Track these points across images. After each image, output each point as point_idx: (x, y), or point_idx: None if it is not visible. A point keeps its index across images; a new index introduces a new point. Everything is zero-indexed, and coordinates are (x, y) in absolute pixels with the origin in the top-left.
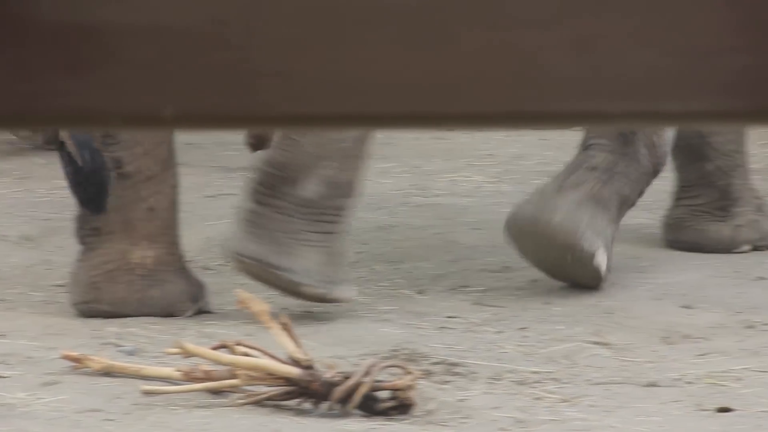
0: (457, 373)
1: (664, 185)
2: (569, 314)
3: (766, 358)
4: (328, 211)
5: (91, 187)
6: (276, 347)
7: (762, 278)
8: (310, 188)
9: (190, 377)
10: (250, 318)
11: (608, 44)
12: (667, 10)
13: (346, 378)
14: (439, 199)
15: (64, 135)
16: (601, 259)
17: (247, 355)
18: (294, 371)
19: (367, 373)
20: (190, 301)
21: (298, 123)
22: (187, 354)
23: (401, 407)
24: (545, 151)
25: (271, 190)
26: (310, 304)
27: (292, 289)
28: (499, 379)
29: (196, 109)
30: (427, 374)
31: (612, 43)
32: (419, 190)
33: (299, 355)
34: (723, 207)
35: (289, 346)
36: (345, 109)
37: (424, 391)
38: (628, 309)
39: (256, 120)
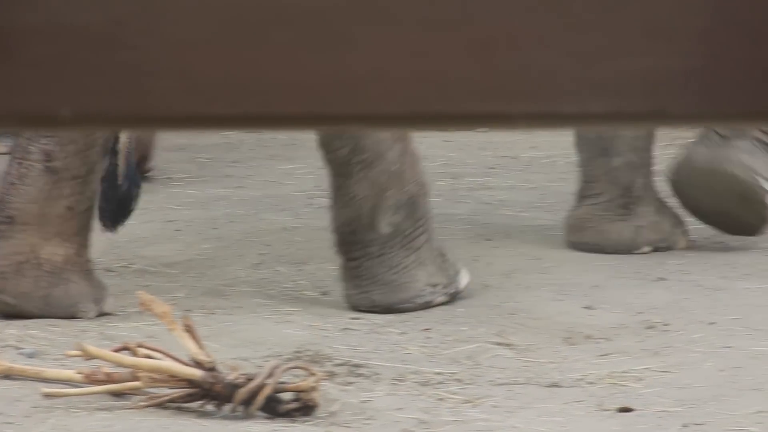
0: (360, 375)
1: (566, 187)
2: (472, 315)
3: (667, 358)
4: (412, 229)
5: (115, 209)
6: (178, 349)
7: (663, 279)
8: (386, 223)
9: (91, 380)
10: (153, 320)
11: (507, 46)
12: (565, 12)
13: (249, 380)
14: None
15: (122, 150)
16: None
17: (149, 357)
18: (196, 373)
19: (270, 375)
20: (92, 303)
21: (196, 124)
22: (89, 356)
23: (304, 409)
24: (449, 152)
25: (358, 244)
26: (216, 306)
27: (427, 307)
28: (402, 381)
29: (93, 109)
30: (331, 375)
31: (511, 45)
32: (323, 191)
33: (202, 356)
34: (625, 205)
35: (191, 348)
36: (244, 110)
37: (327, 392)
38: (530, 310)
39: (155, 121)
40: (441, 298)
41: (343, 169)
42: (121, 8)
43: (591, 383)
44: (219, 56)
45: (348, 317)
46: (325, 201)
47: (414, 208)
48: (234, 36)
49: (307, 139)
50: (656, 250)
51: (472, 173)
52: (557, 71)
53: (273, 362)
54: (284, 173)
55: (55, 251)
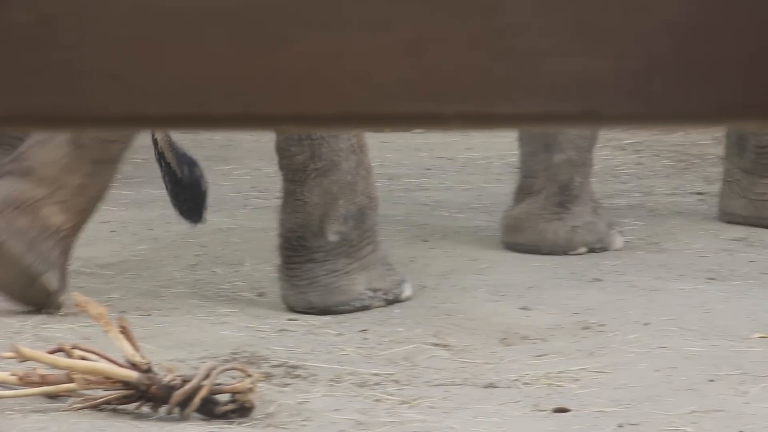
0: (297, 376)
1: (502, 188)
2: (409, 316)
3: (602, 358)
4: (359, 239)
5: (189, 199)
6: (114, 351)
7: (598, 280)
8: (334, 231)
9: (25, 381)
10: (88, 321)
11: (440, 47)
12: (498, 12)
13: (185, 381)
14: (279, 201)
15: (164, 147)
16: None
17: (84, 358)
18: (132, 375)
19: (206, 377)
20: (59, 278)
21: (131, 124)
22: (23, 358)
23: (241, 410)
24: (385, 154)
25: (302, 250)
26: (152, 307)
27: (363, 309)
28: (339, 382)
29: (25, 109)
30: (268, 377)
31: (444, 46)
32: (259, 192)
33: (138, 358)
34: (562, 203)
35: (127, 350)
36: (178, 110)
37: (264, 393)
38: (467, 311)
39: (88, 121)
40: (379, 303)
41: (297, 176)
42: (53, 7)
43: (527, 384)
44: (153, 56)
45: (285, 318)
46: (261, 202)
47: (362, 220)
48: (168, 35)
49: (244, 140)
50: (592, 251)
51: (409, 174)
52: (490, 72)
53: (209, 364)
54: (220, 174)
55: (54, 216)
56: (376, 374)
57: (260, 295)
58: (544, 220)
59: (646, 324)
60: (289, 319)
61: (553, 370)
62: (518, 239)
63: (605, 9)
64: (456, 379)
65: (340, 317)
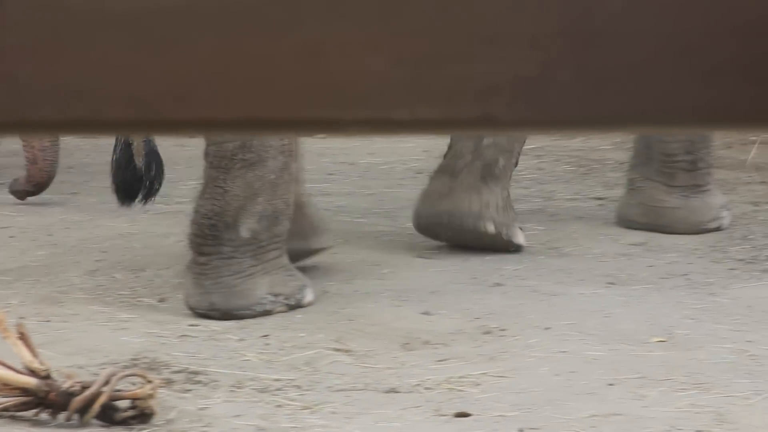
0: (198, 382)
1: (404, 193)
2: (311, 321)
3: (503, 363)
4: (268, 242)
5: (132, 184)
6: (12, 357)
7: (499, 284)
8: (247, 227)
9: None
10: None
11: (338, 51)
12: (396, 17)
13: (85, 388)
14: (181, 207)
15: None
16: None
17: None
18: (31, 381)
19: (106, 383)
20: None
21: (24, 129)
22: None
23: (141, 416)
24: None
25: (212, 240)
26: (51, 313)
27: (265, 314)
28: (240, 387)
29: None
30: (168, 383)
31: (342, 50)
32: (161, 197)
33: (36, 364)
34: (483, 178)
35: (25, 356)
36: (73, 115)
37: (164, 399)
38: (368, 316)
39: None
40: (280, 308)
41: (223, 162)
42: None
43: (429, 388)
44: (46, 60)
45: (186, 324)
46: (162, 207)
47: (275, 223)
48: (62, 40)
49: None
50: (497, 233)
51: (311, 179)
52: (388, 77)
53: (109, 370)
54: None
55: None
56: (277, 380)
57: (161, 300)
58: (462, 191)
59: (546, 328)
60: (191, 325)
61: (455, 374)
62: (433, 208)
63: (502, 15)
64: (358, 384)
65: (242, 322)
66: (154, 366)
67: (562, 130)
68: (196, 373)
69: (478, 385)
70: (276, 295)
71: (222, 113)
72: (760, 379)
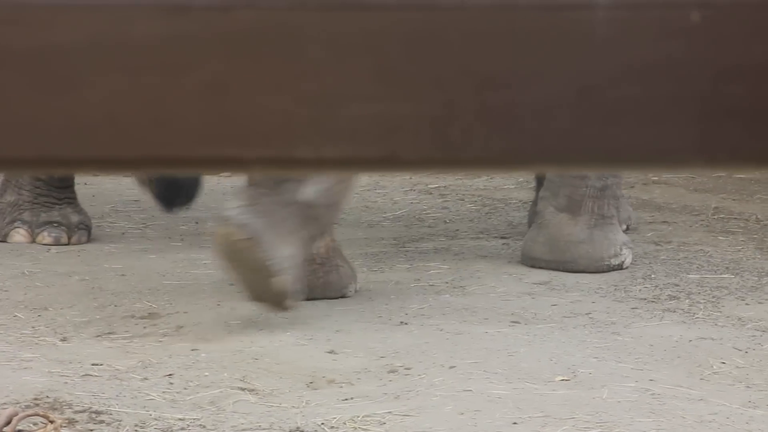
0: (101, 422)
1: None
2: (216, 360)
3: (408, 401)
4: (315, 220)
5: (174, 191)
6: None
7: (404, 323)
8: (309, 191)
9: None
10: None
11: (240, 90)
12: (299, 57)
13: None
14: (84, 246)
15: None
16: None
17: None
18: None
19: (7, 423)
20: (355, 283)
21: None
22: None
23: None
24: None
25: (276, 184)
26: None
27: (263, 274)
28: (144, 427)
29: None
30: (71, 423)
31: (244, 90)
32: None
33: None
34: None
35: None
36: None
37: None
38: (273, 355)
39: None
40: (288, 288)
41: None
42: None
43: (333, 428)
44: None
45: (89, 363)
46: (64, 247)
47: (329, 209)
48: None
49: None
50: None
51: (215, 218)
52: (292, 116)
53: (10, 409)
54: None
55: (319, 244)
56: (181, 419)
57: (63, 340)
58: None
59: (451, 367)
60: (93, 364)
61: (360, 413)
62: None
63: (405, 55)
64: (262, 424)
65: (146, 363)
66: (56, 406)
67: (464, 170)
68: (99, 412)
69: (383, 423)
70: (292, 275)
71: (124, 152)
72: (662, 418)
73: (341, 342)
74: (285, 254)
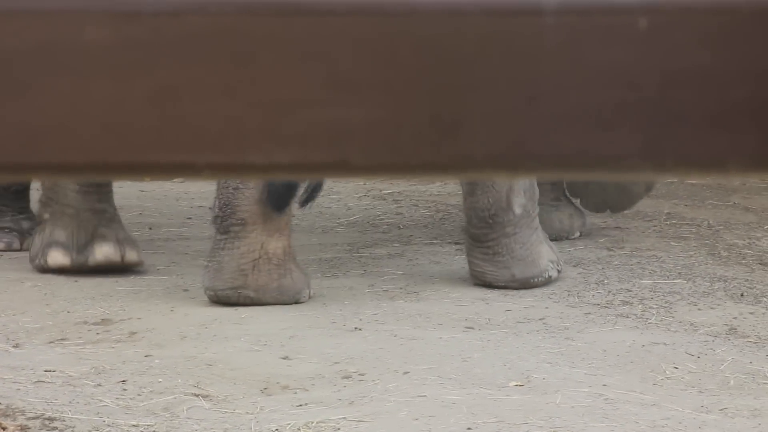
0: (54, 428)
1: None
2: (169, 366)
3: (363, 407)
4: (533, 211)
5: (283, 189)
6: None
7: (358, 329)
8: (518, 204)
9: None
10: None
11: (191, 96)
12: (250, 62)
13: None
14: None
15: None
16: None
17: None
18: None
19: None
20: (308, 288)
21: None
22: None
23: None
24: (145, 203)
25: (496, 225)
26: None
27: (542, 285)
28: None
29: None
30: (23, 429)
31: (195, 95)
32: (20, 244)
33: None
34: (557, 197)
35: None
36: None
37: None
38: (227, 360)
39: None
40: (555, 274)
41: None
42: None
43: None
44: None
45: (42, 370)
46: (17, 253)
47: (533, 192)
48: None
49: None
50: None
51: (169, 224)
52: (243, 122)
53: None
54: None
55: (277, 245)
56: (135, 425)
57: (16, 346)
58: (552, 211)
59: (405, 373)
60: (46, 371)
61: (314, 419)
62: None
63: (356, 61)
64: (216, 430)
65: (99, 369)
66: (8, 412)
67: (415, 175)
68: (52, 419)
69: (338, 429)
70: (551, 261)
71: (74, 157)
72: (615, 423)
73: (295, 348)
74: None
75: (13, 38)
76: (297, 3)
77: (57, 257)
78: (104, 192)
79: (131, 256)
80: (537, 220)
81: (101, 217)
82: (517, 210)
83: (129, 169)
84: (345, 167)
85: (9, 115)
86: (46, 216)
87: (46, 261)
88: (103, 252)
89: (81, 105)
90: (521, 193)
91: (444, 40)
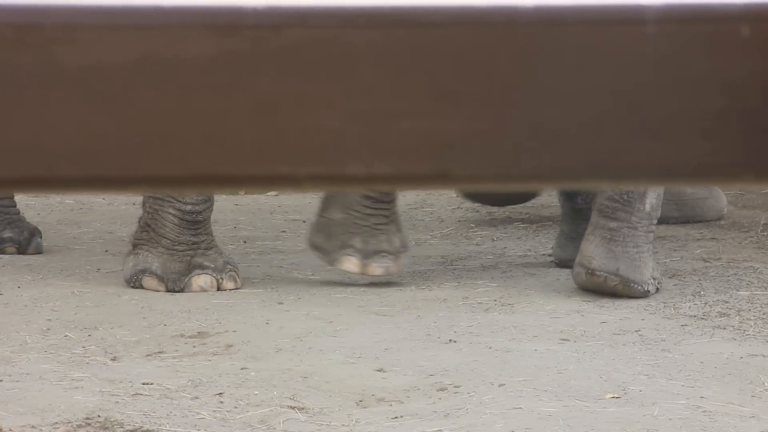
0: None
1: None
2: (265, 379)
3: (458, 420)
4: (654, 223)
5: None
6: None
7: (453, 341)
8: (649, 201)
9: None
10: None
11: (293, 108)
12: (350, 75)
13: None
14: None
15: None
16: None
17: None
18: None
19: None
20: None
21: None
22: None
23: None
24: (239, 216)
25: (625, 206)
26: (3, 372)
27: (637, 296)
28: None
29: None
30: None
31: (296, 107)
32: (112, 256)
33: None
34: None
35: None
36: (26, 173)
37: None
38: (323, 373)
39: None
40: (653, 292)
41: None
42: None
43: None
44: (2, 118)
45: (139, 383)
46: (113, 266)
47: (659, 203)
48: (15, 97)
49: (95, 203)
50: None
51: (263, 237)
52: (343, 133)
53: (62, 429)
54: (72, 238)
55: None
56: None
57: (114, 359)
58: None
59: (501, 385)
60: (144, 383)
61: (410, 431)
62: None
63: (455, 72)
64: None
65: (195, 381)
66: (107, 425)
67: (516, 186)
68: (150, 431)
69: None
70: (653, 278)
71: (176, 170)
72: None
73: (390, 360)
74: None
75: (117, 52)
76: (396, 14)
77: (151, 285)
78: (202, 225)
79: (229, 285)
80: (653, 234)
81: (197, 248)
82: (647, 207)
83: (230, 182)
84: (445, 178)
85: (112, 128)
86: (142, 239)
87: (141, 284)
88: (200, 283)
89: (183, 118)
90: (654, 194)
91: (545, 50)
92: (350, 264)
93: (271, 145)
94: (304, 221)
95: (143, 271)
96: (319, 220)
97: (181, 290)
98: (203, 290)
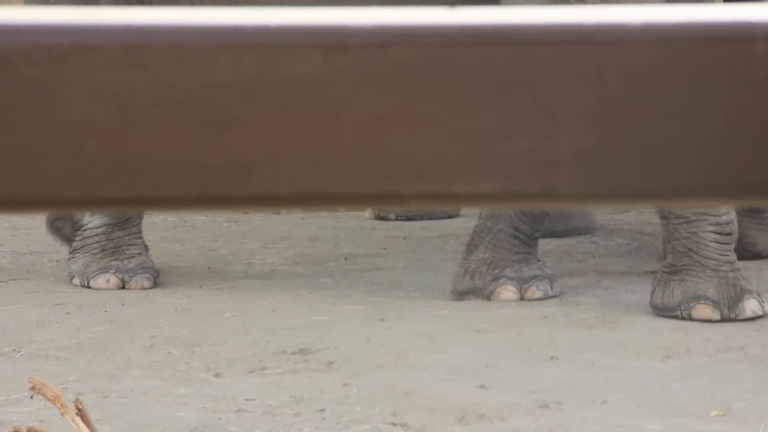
0: None
1: (457, 267)
2: (367, 396)
3: None
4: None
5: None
6: None
7: (554, 358)
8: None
9: None
10: (44, 403)
11: (398, 126)
12: (455, 92)
13: None
14: (235, 282)
15: None
16: None
17: None
18: None
19: None
20: None
21: (89, 206)
22: None
23: None
24: (340, 234)
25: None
26: (108, 389)
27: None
28: None
29: None
30: None
31: (402, 125)
32: (215, 273)
33: None
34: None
35: None
36: (136, 192)
37: None
38: (424, 389)
39: (47, 204)
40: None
41: None
42: (10, 90)
43: None
44: (110, 138)
45: (242, 399)
46: (216, 283)
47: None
48: (125, 117)
49: (198, 221)
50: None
51: (364, 254)
52: (448, 151)
53: None
54: (175, 255)
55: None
56: None
57: (217, 375)
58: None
59: (603, 402)
60: (247, 400)
61: None
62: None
63: (562, 89)
64: None
65: (297, 396)
66: None
67: (621, 204)
68: None
69: None
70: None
71: (282, 189)
72: None
73: (491, 377)
74: None
75: (223, 72)
76: (503, 33)
77: (705, 312)
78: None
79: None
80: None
81: (738, 273)
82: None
83: (336, 200)
84: (552, 196)
85: (219, 148)
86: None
87: (690, 314)
88: (752, 307)
89: (289, 137)
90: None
91: (652, 68)
92: (508, 292)
93: (377, 164)
94: (404, 238)
95: (696, 299)
96: (462, 266)
97: (735, 317)
98: (755, 315)
